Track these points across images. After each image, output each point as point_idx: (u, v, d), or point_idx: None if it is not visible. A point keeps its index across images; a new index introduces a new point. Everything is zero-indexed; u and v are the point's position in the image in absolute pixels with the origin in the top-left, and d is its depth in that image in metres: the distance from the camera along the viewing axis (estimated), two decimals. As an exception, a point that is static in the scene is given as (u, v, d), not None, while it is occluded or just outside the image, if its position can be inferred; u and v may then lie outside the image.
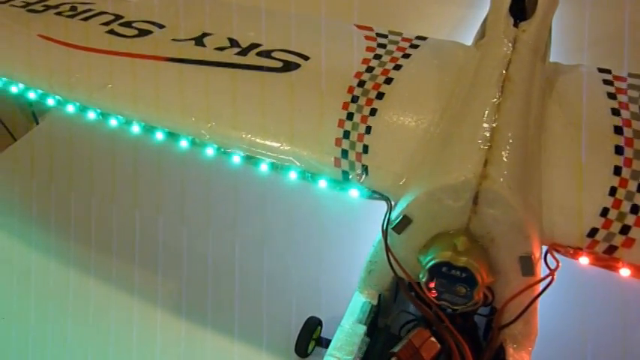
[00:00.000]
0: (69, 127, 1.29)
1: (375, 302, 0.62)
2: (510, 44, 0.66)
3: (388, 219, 0.58)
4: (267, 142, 0.69)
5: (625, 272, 0.57)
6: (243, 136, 0.70)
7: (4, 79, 0.84)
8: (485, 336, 0.62)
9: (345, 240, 0.95)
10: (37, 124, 1.40)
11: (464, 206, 0.54)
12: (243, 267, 0.97)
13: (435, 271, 0.53)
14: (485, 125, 0.57)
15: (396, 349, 0.55)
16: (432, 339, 0.55)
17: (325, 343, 0.82)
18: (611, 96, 0.72)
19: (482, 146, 0.56)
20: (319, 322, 0.84)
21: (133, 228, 1.04)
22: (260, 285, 0.93)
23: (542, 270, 0.57)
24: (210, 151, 0.70)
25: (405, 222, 0.57)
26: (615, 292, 0.70)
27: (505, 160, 0.55)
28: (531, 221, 0.55)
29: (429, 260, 0.53)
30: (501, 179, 0.53)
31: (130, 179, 1.16)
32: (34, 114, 1.40)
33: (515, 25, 0.69)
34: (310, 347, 0.83)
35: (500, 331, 0.58)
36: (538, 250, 0.56)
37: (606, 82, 0.75)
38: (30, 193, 1.15)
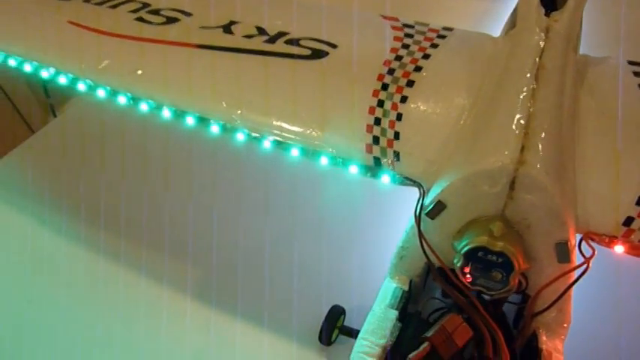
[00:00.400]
0: (88, 120, 1.31)
1: (406, 288, 0.62)
2: (543, 33, 0.66)
3: (421, 205, 0.58)
4: (298, 128, 0.69)
5: (661, 261, 0.56)
6: (274, 122, 0.70)
7: (35, 63, 0.85)
8: (516, 324, 0.62)
9: (372, 228, 0.94)
10: (55, 116, 1.41)
11: (500, 192, 0.54)
12: (272, 255, 0.97)
13: (470, 256, 0.53)
14: (520, 112, 0.57)
15: (428, 334, 0.55)
16: (465, 325, 0.54)
17: (349, 332, 0.82)
18: (642, 87, 0.71)
19: (518, 132, 0.56)
20: (342, 311, 0.84)
21: (163, 215, 1.05)
22: (287, 274, 0.93)
23: (576, 258, 0.57)
24: (241, 137, 0.71)
25: (439, 207, 0.57)
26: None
27: (541, 146, 0.55)
28: (568, 208, 0.54)
29: (465, 245, 0.53)
30: (539, 165, 0.53)
31: (159, 167, 1.16)
32: (52, 106, 1.41)
33: (547, 14, 0.68)
34: (334, 336, 0.84)
35: (533, 319, 0.58)
36: (574, 238, 0.55)
37: (636, 74, 0.74)
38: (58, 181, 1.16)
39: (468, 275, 0.54)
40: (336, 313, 0.83)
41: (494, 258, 0.52)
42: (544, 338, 0.57)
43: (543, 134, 0.56)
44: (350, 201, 0.96)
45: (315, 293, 0.89)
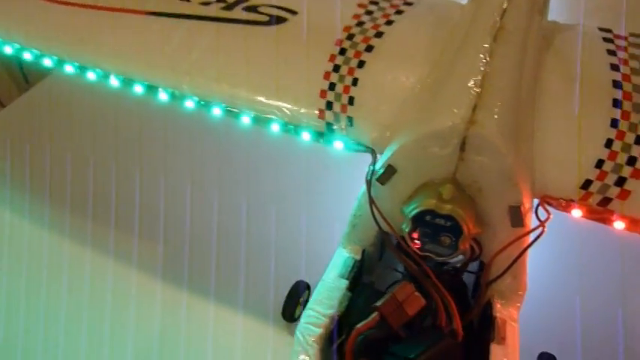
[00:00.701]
0: (58, 95, 1.26)
1: (358, 257, 0.60)
2: (506, -6, 0.63)
3: (372, 170, 0.56)
4: (250, 95, 0.66)
5: (619, 225, 0.54)
6: (226, 88, 0.67)
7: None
8: (474, 293, 0.60)
9: (331, 200, 0.92)
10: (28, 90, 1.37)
11: (451, 153, 0.51)
12: (227, 230, 0.94)
13: (418, 220, 0.50)
14: (475, 71, 0.54)
15: (378, 304, 0.52)
16: (417, 294, 0.52)
17: None
18: (611, 53, 0.69)
19: (471, 92, 0.53)
20: (307, 286, 0.82)
21: (134, 191, 1.01)
22: (252, 250, 0.90)
23: (533, 224, 0.55)
24: (190, 104, 0.68)
25: (389, 172, 0.54)
26: (608, 247, 0.68)
27: (495, 106, 0.52)
28: (521, 170, 0.52)
29: (413, 209, 0.50)
30: (490, 124, 0.51)
31: (131, 143, 1.13)
32: (25, 78, 1.37)
33: None
34: (297, 312, 0.81)
35: (488, 287, 0.56)
36: (528, 201, 0.53)
37: (606, 39, 0.72)
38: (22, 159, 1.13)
39: (417, 241, 0.51)
40: (299, 289, 0.81)
41: (443, 222, 0.50)
42: (499, 306, 0.55)
43: (498, 94, 0.54)
44: (311, 172, 0.93)
45: (282, 269, 0.86)
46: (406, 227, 0.51)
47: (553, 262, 0.69)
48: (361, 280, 0.61)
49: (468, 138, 0.50)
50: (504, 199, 0.52)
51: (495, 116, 0.51)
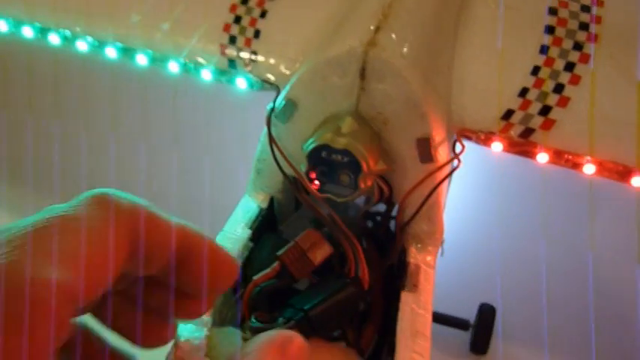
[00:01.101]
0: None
1: (264, 206, 0.55)
2: None
3: (272, 107, 0.50)
4: (146, 33, 0.60)
5: (543, 158, 0.49)
6: (119, 28, 0.60)
7: None
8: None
9: (235, 144, 0.84)
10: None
11: (351, 82, 0.46)
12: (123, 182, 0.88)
13: (314, 157, 0.45)
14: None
15: (279, 252, 0.47)
16: (323, 241, 0.47)
17: None
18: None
19: (375, 14, 0.47)
20: None
21: (79, 153, 0.94)
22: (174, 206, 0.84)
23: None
24: (83, 46, 0.61)
25: (288, 107, 0.49)
26: (532, 182, 0.63)
27: (400, 27, 0.47)
28: (430, 98, 0.47)
29: (308, 145, 0.45)
30: (392, 46, 0.45)
31: (76, 103, 1.04)
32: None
33: None
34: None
35: (402, 231, 0.51)
36: (440, 134, 0.48)
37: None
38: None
39: (316, 181, 0.46)
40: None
41: (339, 157, 0.44)
42: (414, 251, 0.50)
43: (405, 16, 0.48)
44: (211, 114, 0.86)
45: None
46: (303, 166, 0.46)
47: (475, 200, 0.65)
48: (269, 229, 0.56)
49: (368, 63, 0.45)
50: (411, 131, 0.46)
51: (398, 38, 0.45)
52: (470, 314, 0.76)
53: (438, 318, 0.77)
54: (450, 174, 0.47)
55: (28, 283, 0.19)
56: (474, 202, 0.67)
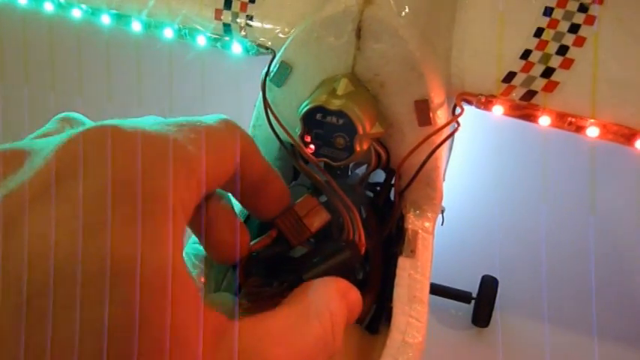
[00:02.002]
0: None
1: None
2: None
3: (267, 71, 0.49)
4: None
5: (545, 121, 0.48)
6: (113, -7, 0.59)
7: None
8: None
9: (231, 110, 0.82)
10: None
11: (347, 43, 0.44)
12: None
13: (309, 120, 0.44)
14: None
15: (275, 218, 0.47)
16: (320, 207, 0.46)
17: None
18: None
19: (372, -28, 0.46)
20: None
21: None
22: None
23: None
24: (77, 14, 0.60)
25: (284, 70, 0.47)
26: (533, 150, 0.62)
27: (398, -15, 0.45)
28: (429, 59, 0.45)
29: (303, 107, 0.44)
30: (389, 4, 0.43)
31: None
32: None
33: None
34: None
35: (401, 197, 0.50)
36: (439, 96, 0.46)
37: None
38: None
39: (311, 145, 0.45)
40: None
41: (334, 119, 0.43)
42: (412, 218, 0.49)
43: (403, -27, 0.46)
44: (207, 80, 0.85)
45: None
46: (298, 130, 0.45)
47: (489, 177, 0.64)
48: None
49: (364, 22, 0.43)
50: (409, 93, 0.45)
51: (395, -4, 0.44)
52: (473, 286, 0.75)
53: (440, 291, 0.76)
54: (448, 137, 0.46)
55: (171, 144, 0.26)
56: (475, 171, 0.66)
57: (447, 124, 0.45)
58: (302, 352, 0.28)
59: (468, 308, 0.75)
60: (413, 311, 0.44)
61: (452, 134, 0.46)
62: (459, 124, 0.45)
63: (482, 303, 0.74)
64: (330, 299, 0.31)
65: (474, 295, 0.75)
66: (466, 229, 0.65)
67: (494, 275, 0.73)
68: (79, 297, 0.22)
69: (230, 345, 0.26)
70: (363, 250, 0.45)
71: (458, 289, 0.75)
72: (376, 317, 0.50)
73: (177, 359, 0.23)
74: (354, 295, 0.33)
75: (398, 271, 0.46)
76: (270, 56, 0.53)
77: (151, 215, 0.24)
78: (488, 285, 0.74)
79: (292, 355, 0.27)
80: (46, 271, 0.22)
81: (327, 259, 0.44)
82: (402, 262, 0.46)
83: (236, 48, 0.55)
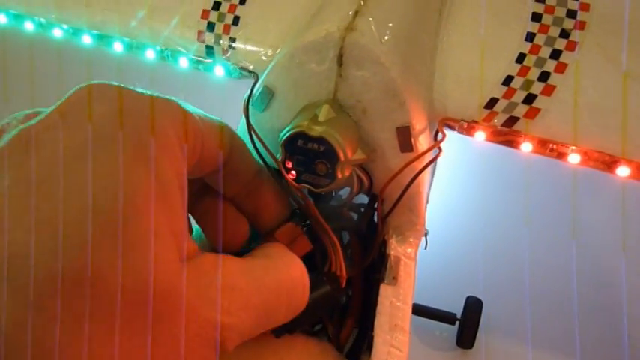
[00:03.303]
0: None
1: None
2: None
3: (250, 95, 0.49)
4: (120, 19, 0.58)
5: (527, 147, 0.48)
6: (94, 15, 0.59)
7: None
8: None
9: None
10: None
11: (328, 69, 0.44)
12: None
13: (290, 146, 0.43)
14: (364, -22, 0.47)
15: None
16: (303, 236, 0.45)
17: None
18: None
19: (355, 0, 0.46)
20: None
21: None
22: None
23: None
24: (59, 34, 0.60)
25: (265, 95, 0.47)
26: (515, 174, 0.62)
27: (380, 12, 0.45)
28: (410, 86, 0.45)
29: (284, 133, 0.44)
30: (370, 31, 0.43)
31: None
32: None
33: None
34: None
35: (384, 223, 0.50)
36: (421, 123, 0.46)
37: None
38: None
39: (292, 171, 0.45)
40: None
41: (316, 146, 0.43)
42: (394, 243, 0.49)
43: (385, 0, 0.46)
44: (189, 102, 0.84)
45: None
46: (279, 156, 0.45)
47: (471, 199, 0.64)
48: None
49: (345, 49, 0.43)
50: (391, 119, 0.45)
51: (377, 23, 0.44)
52: (457, 307, 0.75)
53: (425, 311, 0.76)
54: (429, 163, 0.46)
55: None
56: (458, 194, 0.66)
57: (429, 149, 0.45)
58: (267, 287, 0.30)
59: (452, 329, 0.75)
60: (394, 340, 0.43)
61: (434, 160, 0.46)
62: (440, 150, 0.45)
63: (467, 324, 0.74)
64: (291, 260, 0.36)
65: (459, 316, 0.75)
66: (450, 250, 0.65)
67: (478, 296, 0.73)
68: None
69: (197, 264, 0.27)
70: (343, 282, 0.45)
71: (442, 310, 0.75)
72: (358, 344, 0.49)
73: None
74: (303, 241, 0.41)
75: (380, 299, 0.45)
76: (253, 79, 0.53)
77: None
78: (473, 306, 0.74)
79: (256, 288, 0.29)
80: None
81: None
82: (384, 290, 0.46)
83: (218, 70, 0.55)
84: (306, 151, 0.44)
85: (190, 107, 0.33)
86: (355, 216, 0.55)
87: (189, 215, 0.38)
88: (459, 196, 0.67)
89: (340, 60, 0.44)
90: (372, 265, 0.52)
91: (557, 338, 0.69)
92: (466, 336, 0.75)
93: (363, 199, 0.56)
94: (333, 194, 0.58)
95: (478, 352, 0.73)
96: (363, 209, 0.55)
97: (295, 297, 0.34)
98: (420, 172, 0.45)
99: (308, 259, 0.46)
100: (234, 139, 0.36)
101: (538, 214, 0.69)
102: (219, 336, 0.27)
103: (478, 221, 0.71)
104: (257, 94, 0.48)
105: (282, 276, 0.33)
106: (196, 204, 0.37)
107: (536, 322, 0.68)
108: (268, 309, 0.31)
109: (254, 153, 0.48)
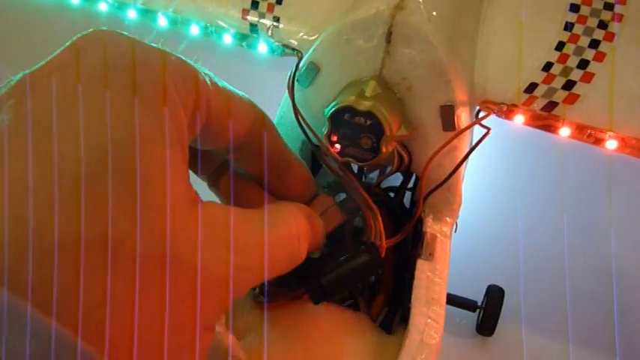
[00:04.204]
0: None
1: None
2: None
3: (295, 71, 0.50)
4: (165, -5, 0.59)
5: (565, 132, 0.49)
6: (141, -12, 0.60)
7: None
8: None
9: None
10: None
11: (376, 46, 0.45)
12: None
13: (336, 120, 0.44)
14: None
15: None
16: (335, 207, 0.46)
17: None
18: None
19: (403, -21, 0.47)
20: None
21: None
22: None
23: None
24: (104, 7, 0.61)
25: (311, 71, 0.48)
26: (546, 163, 0.63)
27: (428, -8, 0.46)
28: (456, 66, 0.46)
29: (331, 107, 0.45)
30: (419, 11, 0.44)
31: None
32: None
33: None
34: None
35: (424, 202, 0.51)
36: (464, 103, 0.47)
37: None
38: None
39: (337, 144, 0.46)
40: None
41: (363, 120, 0.44)
42: (430, 221, 0.50)
43: (433, -19, 0.47)
44: (232, 78, 0.86)
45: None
46: (325, 129, 0.46)
47: (495, 173, 0.64)
48: None
49: (394, 27, 0.44)
50: (435, 97, 0.46)
51: (425, 2, 0.45)
52: (478, 295, 0.76)
53: (446, 298, 0.77)
54: (480, 141, 0.46)
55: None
56: (487, 180, 0.66)
57: (470, 125, 0.46)
58: (269, 240, 0.30)
59: (473, 317, 0.75)
60: (431, 312, 0.44)
61: (483, 138, 0.46)
62: (489, 129, 0.46)
63: (488, 312, 0.75)
64: (296, 214, 0.35)
65: (480, 303, 0.75)
66: (474, 237, 0.65)
67: (500, 285, 0.74)
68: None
69: (203, 213, 0.27)
70: (383, 253, 0.46)
71: (463, 297, 0.75)
72: (390, 317, 0.50)
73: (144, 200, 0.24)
74: (317, 220, 0.39)
75: (417, 273, 0.46)
76: (296, 57, 0.54)
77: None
78: (495, 295, 0.75)
79: (260, 240, 0.30)
80: None
81: (345, 261, 0.44)
82: (421, 265, 0.47)
83: (262, 47, 0.56)
84: (353, 125, 0.45)
85: (207, 72, 0.32)
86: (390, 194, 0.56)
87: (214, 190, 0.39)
88: (487, 182, 0.67)
89: (389, 37, 0.45)
90: (404, 243, 0.53)
91: (578, 330, 0.69)
92: (486, 324, 0.75)
93: (389, 182, 0.57)
94: (364, 175, 0.59)
95: (498, 340, 0.73)
96: (391, 193, 0.56)
97: (291, 248, 0.34)
98: (472, 150, 0.46)
99: (336, 234, 0.47)
100: (260, 115, 0.36)
101: (569, 204, 0.69)
102: (234, 277, 0.27)
103: (505, 208, 0.72)
104: (302, 70, 0.49)
105: (281, 224, 0.34)
106: (221, 181, 0.38)
107: (557, 312, 0.69)
108: (272, 256, 0.31)
109: (300, 128, 0.49)
